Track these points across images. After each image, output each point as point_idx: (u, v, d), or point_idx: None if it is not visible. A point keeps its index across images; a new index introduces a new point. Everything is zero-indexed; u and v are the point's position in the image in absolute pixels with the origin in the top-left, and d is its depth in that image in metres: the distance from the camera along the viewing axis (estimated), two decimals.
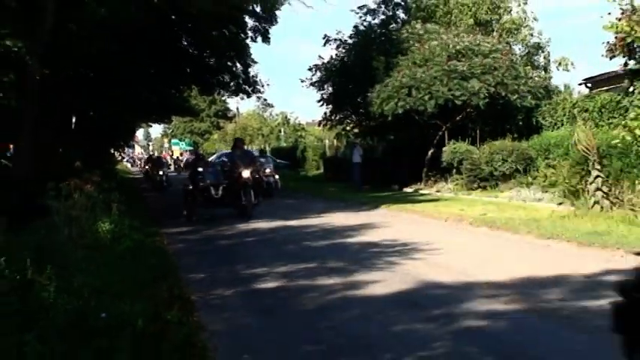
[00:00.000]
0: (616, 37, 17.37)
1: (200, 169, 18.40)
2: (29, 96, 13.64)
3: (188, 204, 17.97)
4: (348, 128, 34.49)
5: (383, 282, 8.63)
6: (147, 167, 42.98)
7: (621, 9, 16.90)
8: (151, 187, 33.76)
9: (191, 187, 17.91)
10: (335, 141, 43.58)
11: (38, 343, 4.72)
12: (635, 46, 17.05)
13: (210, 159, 31.64)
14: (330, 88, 31.58)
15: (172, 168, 51.56)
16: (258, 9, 22.18)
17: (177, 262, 10.74)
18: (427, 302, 7.52)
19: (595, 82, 25.22)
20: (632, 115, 14.32)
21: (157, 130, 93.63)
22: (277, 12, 24.70)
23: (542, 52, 35.01)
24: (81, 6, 14.51)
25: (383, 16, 31.62)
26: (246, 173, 17.33)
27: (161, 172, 33.10)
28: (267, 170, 24.78)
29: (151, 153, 70.18)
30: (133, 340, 5.49)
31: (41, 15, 13.40)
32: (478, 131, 25.66)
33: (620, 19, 16.90)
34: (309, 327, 6.74)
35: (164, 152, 73.68)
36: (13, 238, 8.72)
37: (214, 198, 17.66)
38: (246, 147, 37.24)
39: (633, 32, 16.23)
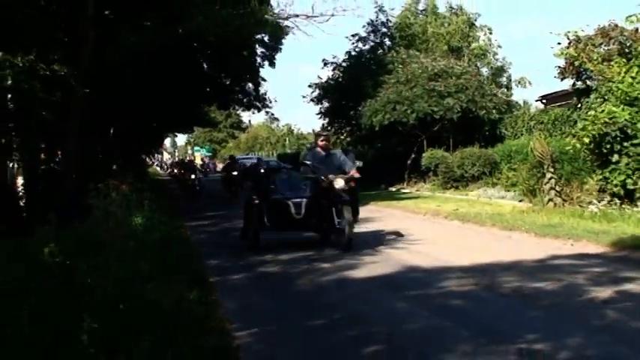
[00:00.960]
0: (565, 62, 17.51)
1: (235, 173, 13.49)
2: (73, 112, 13.66)
3: (254, 224, 10.71)
4: (342, 137, 34.49)
5: (371, 266, 8.64)
6: (176, 171, 36.65)
7: (568, 39, 17.11)
8: (183, 192, 27.50)
9: (257, 201, 10.72)
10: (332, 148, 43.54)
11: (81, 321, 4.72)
12: (581, 69, 17.18)
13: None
14: (327, 104, 31.60)
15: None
16: (266, 38, 22.20)
17: (198, 251, 10.74)
18: (408, 283, 7.53)
19: (549, 99, 25.29)
20: (580, 126, 14.34)
21: (181, 138, 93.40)
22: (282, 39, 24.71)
23: (505, 73, 35.05)
24: (116, 36, 14.52)
25: (372, 43, 31.72)
26: (339, 183, 10.36)
27: (193, 176, 26.80)
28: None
29: (181, 157, 67.96)
30: (160, 317, 5.50)
31: (83, 44, 13.43)
32: (452, 140, 25.71)
33: (568, 47, 17.07)
34: (309, 304, 6.76)
35: (187, 157, 73.57)
36: (62, 231, 8.74)
37: (295, 219, 10.54)
38: (255, 153, 36.72)
39: (580, 57, 16.36)
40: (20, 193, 15.19)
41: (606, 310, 5.90)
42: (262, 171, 12.16)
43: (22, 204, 14.75)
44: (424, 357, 4.83)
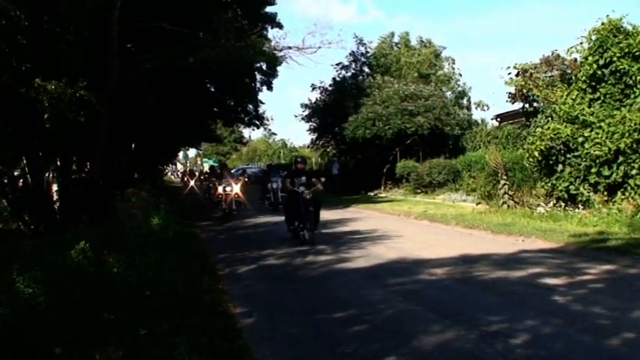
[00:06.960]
0: (515, 89, 17.76)
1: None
2: (100, 129, 13.60)
3: None
4: (328, 150, 34.58)
5: (354, 260, 8.65)
6: (220, 190, 22.15)
7: (517, 70, 17.41)
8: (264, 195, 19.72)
9: None
10: (319, 159, 43.62)
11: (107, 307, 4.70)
12: (529, 94, 17.47)
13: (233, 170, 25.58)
14: (315, 122, 31.68)
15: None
16: (264, 66, 22.16)
17: (207, 246, 10.70)
18: (385, 274, 7.54)
19: (503, 118, 25.51)
20: (529, 141, 14.47)
21: (192, 151, 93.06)
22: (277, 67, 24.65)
23: (466, 96, 35.26)
24: (137, 65, 14.47)
25: (353, 70, 31.87)
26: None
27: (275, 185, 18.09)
28: None
29: (193, 167, 65.72)
30: (176, 302, 5.48)
31: (110, 72, 13.38)
32: (421, 152, 25.86)
33: (517, 76, 17.33)
34: (301, 292, 6.74)
35: (195, 167, 73.08)
36: (92, 230, 8.69)
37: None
38: (256, 164, 36.22)
39: (527, 85, 16.62)
40: (55, 198, 15.07)
41: (558, 296, 5.94)
42: None
43: (56, 207, 14.64)
44: (399, 336, 4.84)
